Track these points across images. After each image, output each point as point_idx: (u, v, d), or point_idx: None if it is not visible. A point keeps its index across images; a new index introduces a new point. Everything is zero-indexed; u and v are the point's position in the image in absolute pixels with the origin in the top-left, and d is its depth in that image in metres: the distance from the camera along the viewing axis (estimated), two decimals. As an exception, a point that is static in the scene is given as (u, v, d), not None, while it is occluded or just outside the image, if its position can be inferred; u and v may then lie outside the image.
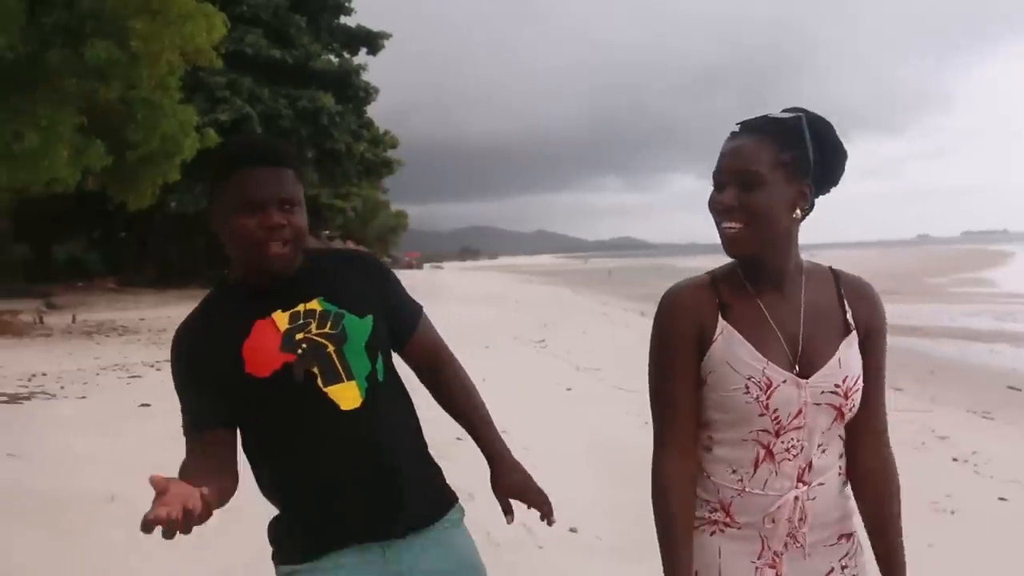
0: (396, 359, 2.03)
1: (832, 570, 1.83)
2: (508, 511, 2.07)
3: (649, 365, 1.85)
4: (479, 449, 2.10)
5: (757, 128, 1.76)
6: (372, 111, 32.58)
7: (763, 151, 1.72)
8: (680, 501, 1.81)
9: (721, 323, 1.79)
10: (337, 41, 31.70)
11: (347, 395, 1.83)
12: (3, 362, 11.14)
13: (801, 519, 1.79)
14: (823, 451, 1.80)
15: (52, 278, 29.19)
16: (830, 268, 1.89)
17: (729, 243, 1.76)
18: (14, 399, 8.62)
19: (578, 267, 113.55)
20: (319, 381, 1.82)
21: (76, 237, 36.70)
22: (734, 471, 1.81)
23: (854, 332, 1.81)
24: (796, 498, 1.77)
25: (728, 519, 1.82)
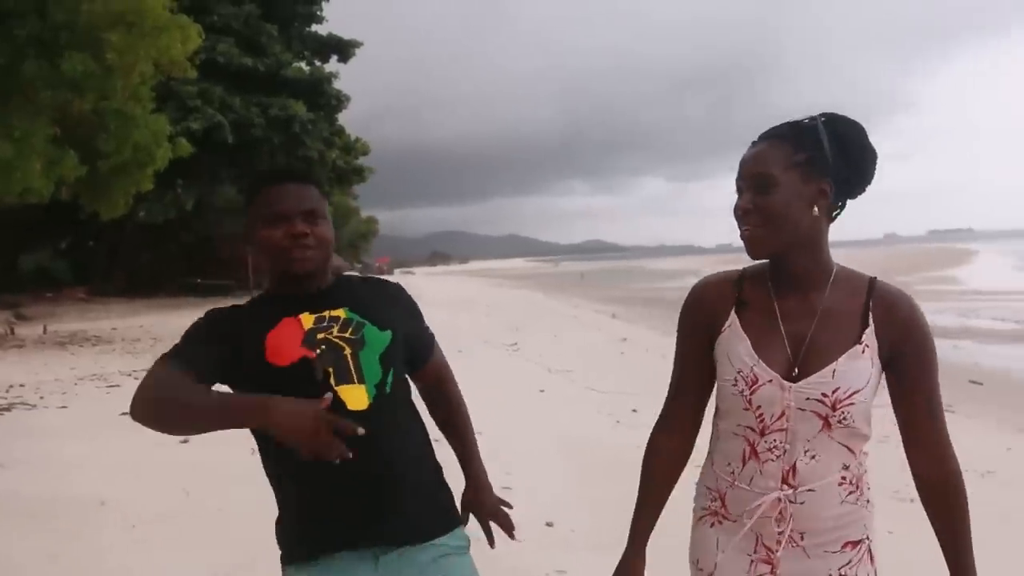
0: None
1: (829, 575, 1.83)
2: (489, 533, 2.24)
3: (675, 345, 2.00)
4: (460, 467, 2.25)
5: (773, 134, 1.81)
6: (343, 117, 32.62)
7: (776, 154, 1.76)
8: (657, 470, 1.97)
9: (732, 317, 1.86)
10: (308, 49, 31.69)
11: (355, 396, 1.90)
12: (-21, 374, 11.08)
13: (781, 520, 1.80)
14: (812, 457, 1.78)
15: (20, 288, 28.84)
16: (870, 279, 1.84)
17: (748, 245, 1.80)
18: (-5, 410, 8.65)
19: (549, 271, 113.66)
20: (331, 379, 1.90)
21: (44, 246, 36.35)
22: (728, 463, 1.87)
23: (864, 346, 1.77)
24: (779, 499, 1.79)
25: (724, 510, 1.88)
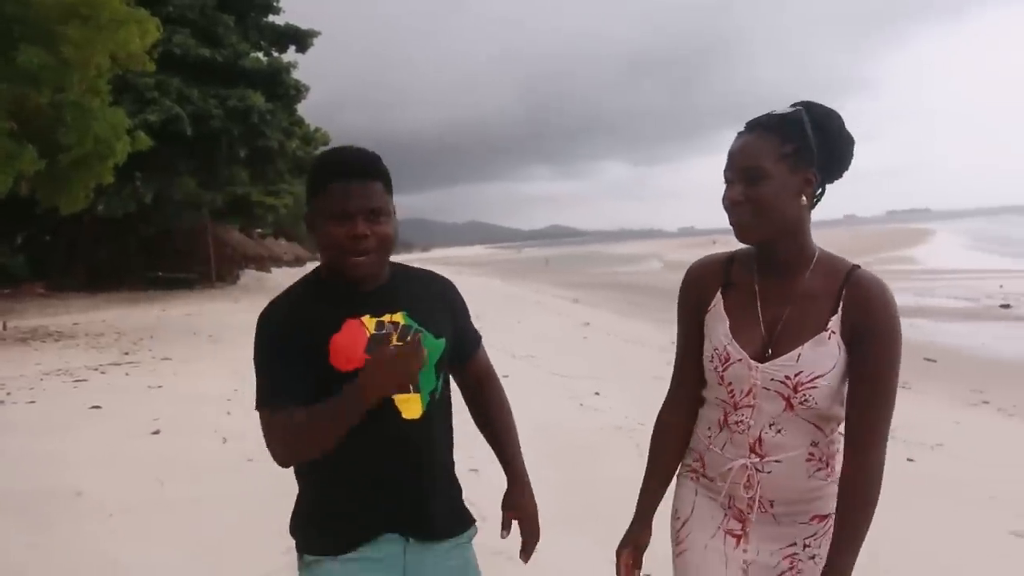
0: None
1: (794, 543, 1.93)
2: (507, 527, 2.24)
3: None
4: (503, 467, 2.26)
5: (760, 125, 1.87)
6: (302, 107, 32.41)
7: (765, 146, 1.83)
8: (663, 445, 2.10)
9: (717, 297, 1.98)
10: (266, 39, 31.37)
11: (411, 406, 1.98)
12: (-58, 371, 11.01)
13: (748, 486, 1.91)
14: (778, 431, 1.87)
15: (-26, 285, 28.48)
16: (850, 267, 1.89)
17: (738, 231, 1.89)
18: (-38, 406, 8.63)
19: (511, 257, 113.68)
20: None
21: (-1, 242, 35.79)
22: (708, 428, 2.00)
23: (830, 333, 1.83)
24: (746, 466, 1.90)
25: (703, 468, 2.02)
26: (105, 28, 13.24)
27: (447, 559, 2.06)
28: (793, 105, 1.90)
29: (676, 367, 2.12)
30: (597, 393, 8.54)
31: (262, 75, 28.80)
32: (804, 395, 1.83)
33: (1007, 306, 19.19)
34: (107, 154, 15.03)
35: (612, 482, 3.84)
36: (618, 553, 2.12)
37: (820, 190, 1.89)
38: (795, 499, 1.91)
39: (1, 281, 30.77)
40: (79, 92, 14.26)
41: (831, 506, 1.91)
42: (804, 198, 1.85)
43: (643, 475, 2.14)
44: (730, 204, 1.87)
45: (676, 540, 2.08)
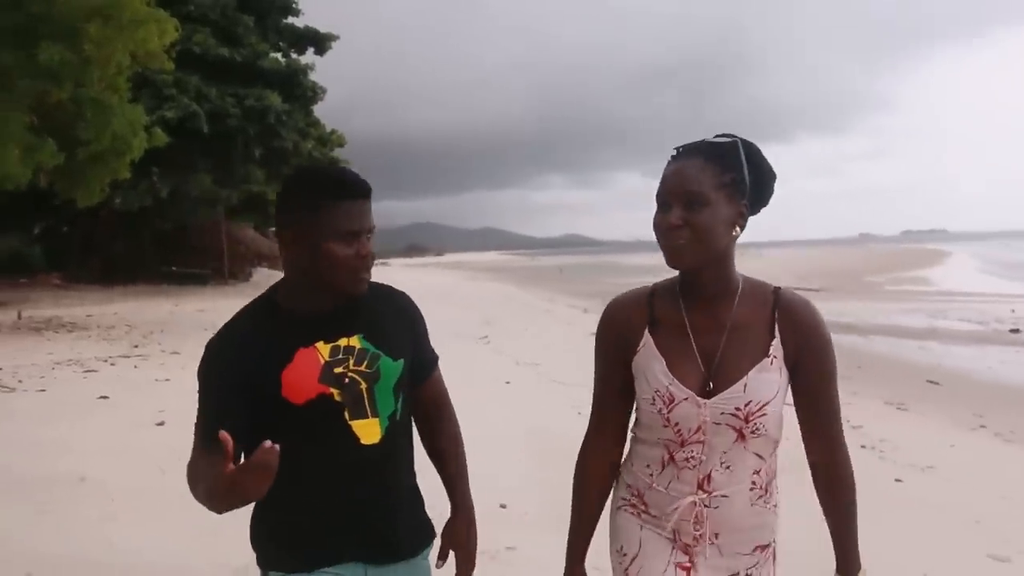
0: None
1: (738, 573, 1.94)
2: (443, 557, 2.19)
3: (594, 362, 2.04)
4: (448, 496, 2.20)
5: (698, 151, 1.84)
6: (319, 109, 32.58)
7: (705, 173, 1.80)
8: (591, 487, 2.04)
9: (646, 336, 1.91)
10: (284, 41, 31.62)
11: (369, 431, 1.94)
12: (-45, 359, 11.19)
13: (699, 522, 1.89)
14: (727, 468, 1.86)
15: (-8, 273, 28.74)
16: (774, 290, 1.92)
17: (674, 256, 1.83)
18: (-26, 394, 8.83)
19: (525, 264, 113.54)
20: (346, 414, 1.93)
21: (17, 232, 36.10)
22: (647, 466, 1.95)
23: (772, 359, 1.85)
24: (694, 503, 1.88)
25: (643, 507, 1.97)
26: (126, 27, 13.46)
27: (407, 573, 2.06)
28: (724, 136, 1.89)
29: (596, 411, 2.05)
30: (595, 402, 8.58)
31: (280, 76, 28.99)
32: (755, 424, 1.83)
33: (1017, 331, 18.93)
34: (124, 150, 15.25)
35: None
36: None
37: (745, 223, 1.88)
38: (740, 528, 1.92)
39: (18, 271, 31.03)
40: (99, 89, 14.50)
41: (769, 536, 1.96)
42: (737, 229, 1.85)
43: (572, 516, 2.09)
44: (668, 228, 1.82)
45: None
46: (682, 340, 1.88)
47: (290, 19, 32.06)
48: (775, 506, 1.96)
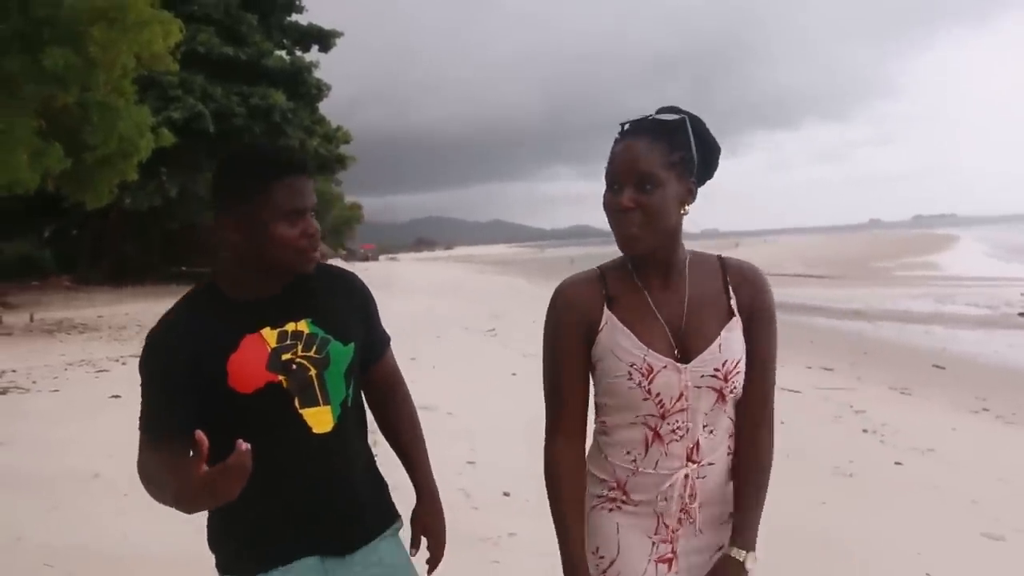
0: None
1: (722, 547, 1.92)
2: (416, 545, 2.13)
3: (543, 357, 1.94)
4: (411, 480, 2.15)
5: (645, 130, 1.81)
6: (324, 105, 32.75)
7: (654, 152, 1.77)
8: (568, 484, 1.90)
9: (607, 314, 1.85)
10: (289, 39, 31.76)
11: (321, 419, 1.88)
12: (-30, 361, 11.34)
13: (691, 495, 1.86)
14: (711, 432, 1.86)
15: (4, 277, 28.90)
16: (718, 257, 1.94)
17: (628, 243, 1.81)
18: (-9, 394, 8.98)
19: (534, 256, 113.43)
20: (296, 402, 1.85)
21: (27, 235, 36.34)
22: (628, 452, 1.88)
23: (736, 318, 1.86)
24: (686, 476, 1.85)
25: (624, 497, 1.90)
26: (130, 29, 13.56)
27: (369, 564, 1.96)
28: (668, 110, 1.86)
29: (556, 407, 1.94)
30: (597, 393, 8.67)
31: (284, 74, 29.13)
32: (733, 383, 1.84)
33: (1024, 314, 19.13)
34: (132, 152, 15.36)
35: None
36: None
37: (693, 199, 1.87)
38: (720, 500, 1.92)
39: (29, 274, 31.26)
40: (105, 92, 14.61)
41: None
42: (686, 207, 1.83)
43: (558, 521, 1.93)
44: (620, 210, 1.79)
45: None
46: (645, 313, 1.86)
47: (294, 17, 32.17)
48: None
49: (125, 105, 15.44)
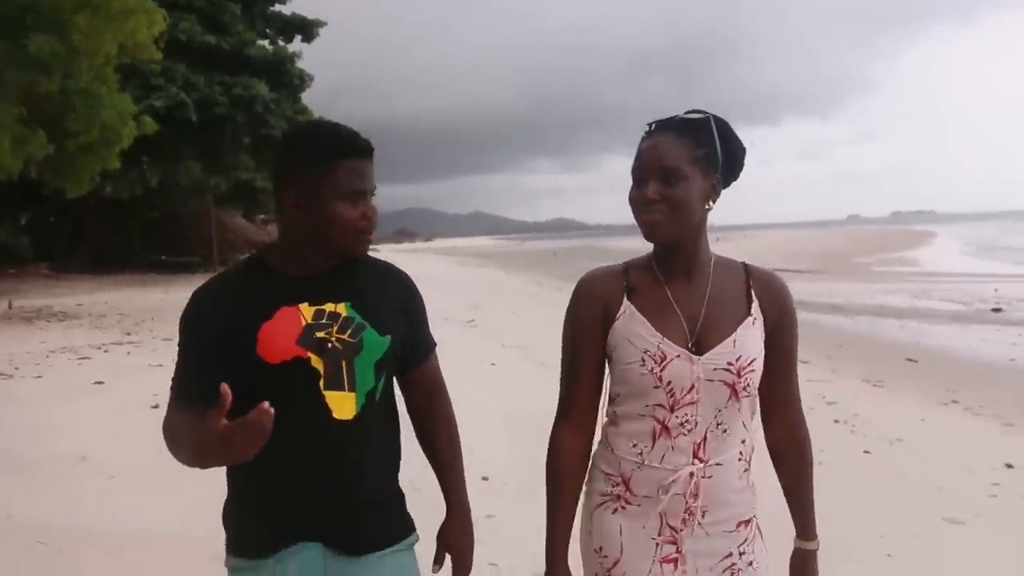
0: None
1: (730, 554, 1.92)
2: (439, 562, 2.07)
3: (562, 346, 1.97)
4: (443, 494, 2.08)
5: (671, 127, 1.86)
6: (307, 95, 32.61)
7: (680, 148, 1.83)
8: (566, 471, 1.94)
9: (625, 303, 1.89)
10: (271, 28, 31.65)
11: (343, 404, 1.84)
12: (-50, 348, 11.39)
13: (694, 495, 1.86)
14: (722, 430, 1.87)
15: (-20, 264, 28.78)
16: (743, 264, 1.97)
17: (651, 230, 1.86)
18: (-28, 381, 9.06)
19: (515, 249, 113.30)
20: (321, 382, 1.83)
21: (4, 222, 36.04)
22: (634, 444, 1.89)
23: (753, 318, 1.89)
24: (691, 474, 1.85)
25: (628, 493, 1.90)
26: (114, 18, 13.54)
27: (378, 572, 1.92)
28: (696, 112, 1.92)
29: (567, 395, 1.99)
30: (578, 381, 8.78)
31: (267, 64, 29.01)
32: (746, 380, 1.86)
33: (999, 310, 18.98)
34: (114, 140, 15.32)
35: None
36: None
37: (718, 196, 1.92)
38: (728, 503, 1.91)
39: (6, 261, 31.02)
40: (87, 80, 14.58)
41: (751, 510, 1.96)
42: (710, 203, 1.88)
43: (550, 507, 1.97)
44: (645, 202, 1.85)
45: None
46: (664, 305, 1.89)
47: (277, 7, 32.04)
48: (753, 485, 1.97)
49: (108, 93, 15.39)
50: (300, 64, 30.71)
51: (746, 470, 1.93)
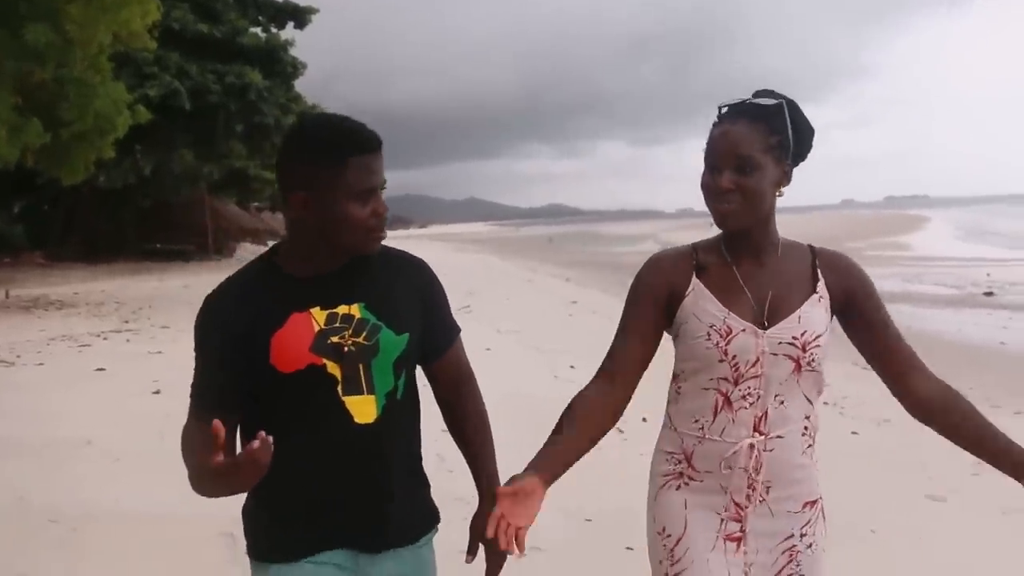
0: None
1: (792, 535, 1.93)
2: (472, 552, 2.01)
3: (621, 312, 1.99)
4: (475, 482, 2.02)
5: (744, 113, 1.86)
6: (300, 82, 32.51)
7: (754, 136, 1.83)
8: (581, 404, 1.89)
9: (694, 281, 1.92)
10: (264, 15, 31.55)
11: (364, 409, 1.80)
12: (-50, 337, 11.47)
13: (756, 468, 1.87)
14: (781, 403, 1.87)
15: (-28, 253, 28.74)
16: (809, 245, 2.00)
17: (724, 219, 1.87)
18: (-25, 369, 9.18)
19: (510, 235, 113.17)
20: (339, 388, 1.78)
21: (-4, 210, 35.94)
22: (696, 420, 1.91)
23: (819, 296, 1.90)
24: (752, 446, 1.87)
25: (691, 469, 1.93)
26: (108, 9, 13.55)
27: (401, 566, 1.91)
28: (765, 94, 1.91)
29: (610, 356, 1.97)
30: (572, 366, 8.86)
31: (260, 52, 28.89)
32: (811, 355, 1.87)
33: (990, 294, 19.16)
34: (108, 129, 15.37)
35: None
36: (501, 494, 1.71)
37: (789, 182, 1.93)
38: (791, 480, 1.91)
39: (0, 250, 31.05)
40: (81, 69, 14.61)
41: (816, 492, 1.96)
42: (781, 189, 1.91)
43: (556, 434, 1.87)
44: (719, 191, 1.85)
45: (671, 559, 1.95)
46: (733, 284, 1.91)
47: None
48: (817, 462, 1.96)
49: (101, 82, 15.42)
50: (293, 51, 30.64)
51: (810, 446, 1.93)
